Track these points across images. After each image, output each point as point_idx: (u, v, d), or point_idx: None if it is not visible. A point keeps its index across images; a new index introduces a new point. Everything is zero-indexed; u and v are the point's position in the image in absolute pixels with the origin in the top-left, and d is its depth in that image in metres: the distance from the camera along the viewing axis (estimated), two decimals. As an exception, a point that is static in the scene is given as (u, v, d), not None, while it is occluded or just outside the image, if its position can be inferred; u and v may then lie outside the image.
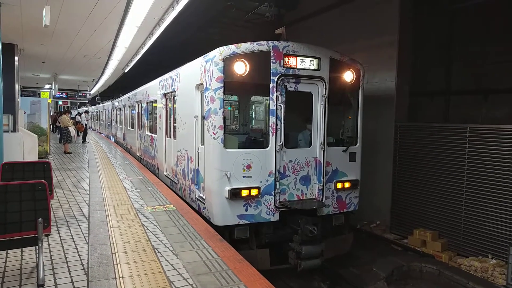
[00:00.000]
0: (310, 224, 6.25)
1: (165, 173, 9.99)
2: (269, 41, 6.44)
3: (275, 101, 6.41)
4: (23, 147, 9.84)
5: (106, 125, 28.80)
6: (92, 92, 29.39)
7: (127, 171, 11.21)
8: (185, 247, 5.03)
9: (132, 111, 16.43)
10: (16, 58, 11.21)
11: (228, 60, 6.12)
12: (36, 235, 3.98)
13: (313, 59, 6.71)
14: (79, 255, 4.65)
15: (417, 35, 10.03)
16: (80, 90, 27.23)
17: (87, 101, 37.61)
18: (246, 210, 6.29)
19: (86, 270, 4.22)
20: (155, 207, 7.06)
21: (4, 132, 9.42)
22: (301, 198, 6.78)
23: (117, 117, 22.13)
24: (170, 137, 9.58)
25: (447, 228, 8.48)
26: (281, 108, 6.43)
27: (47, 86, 23.89)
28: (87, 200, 7.44)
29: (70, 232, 5.53)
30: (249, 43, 6.28)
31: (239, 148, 6.53)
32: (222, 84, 6.11)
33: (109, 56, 12.84)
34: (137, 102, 14.79)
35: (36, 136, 11.51)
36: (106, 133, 28.68)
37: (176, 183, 8.85)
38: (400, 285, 7.51)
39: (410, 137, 9.31)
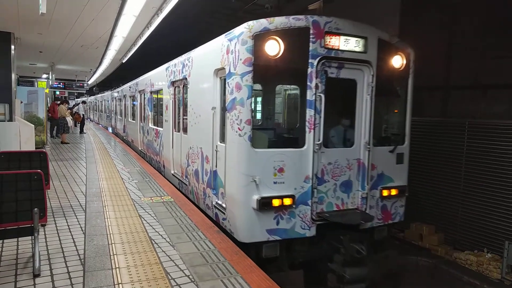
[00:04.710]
0: (357, 242, 5.26)
1: (172, 171, 8.90)
2: (309, 16, 5.34)
3: (313, 90, 5.32)
4: (19, 137, 9.79)
5: (105, 116, 28.50)
6: (89, 82, 29.21)
7: (125, 162, 11.18)
8: (182, 238, 5.03)
9: (134, 102, 15.46)
10: (12, 47, 11.06)
11: (259, 38, 5.01)
12: (32, 225, 3.97)
13: (359, 39, 5.60)
14: (75, 246, 4.64)
15: (417, 28, 9.95)
16: (77, 80, 27.03)
17: (85, 92, 37.40)
18: (277, 223, 5.22)
19: (83, 260, 4.21)
20: (152, 198, 7.04)
21: (0, 121, 9.39)
22: (341, 208, 5.72)
23: (116, 107, 21.45)
24: (179, 131, 8.48)
25: (444, 223, 8.51)
26: (320, 99, 5.34)
27: (44, 75, 23.70)
28: (84, 191, 7.42)
29: (67, 222, 5.52)
30: (283, 17, 5.20)
31: (269, 147, 5.43)
32: (251, 68, 5.02)
33: (107, 46, 12.69)
34: (139, 92, 13.64)
35: (33, 126, 11.45)
36: (105, 124, 28.50)
37: (186, 184, 7.71)
38: (396, 278, 7.55)
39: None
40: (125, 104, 18.03)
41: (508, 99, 8.17)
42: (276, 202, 5.13)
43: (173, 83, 8.85)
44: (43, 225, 5.18)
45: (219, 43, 5.88)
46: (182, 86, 8.20)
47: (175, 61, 8.73)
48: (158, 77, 10.64)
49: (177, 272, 4.00)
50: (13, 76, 11.17)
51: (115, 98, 21.77)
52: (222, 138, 5.81)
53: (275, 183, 5.19)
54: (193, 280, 3.85)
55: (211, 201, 6.22)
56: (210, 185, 6.30)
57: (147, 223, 5.59)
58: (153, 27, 9.69)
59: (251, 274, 4.04)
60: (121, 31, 10.12)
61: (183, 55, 8.13)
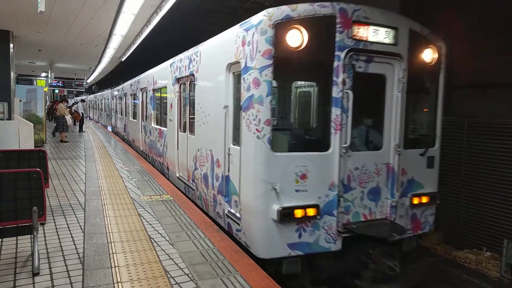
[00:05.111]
0: (389, 257, 4.84)
1: (177, 174, 8.35)
2: (335, 3, 4.85)
3: (340, 86, 4.80)
4: (18, 136, 9.78)
5: (105, 115, 28.38)
6: (88, 80, 29.18)
7: (124, 160, 11.18)
8: (181, 236, 5.03)
9: (135, 100, 15.03)
10: (11, 45, 11.05)
11: (280, 27, 4.47)
12: (31, 223, 3.96)
13: (389, 29, 5.11)
14: (74, 244, 4.64)
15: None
16: (76, 79, 27.01)
17: (84, 90, 37.38)
18: (300, 236, 4.69)
19: (82, 259, 4.21)
20: (151, 196, 7.04)
21: (-1, 120, 9.39)
22: (369, 218, 5.20)
23: (117, 106, 21.13)
24: (184, 131, 7.90)
25: (443, 221, 8.52)
26: (347, 96, 4.81)
27: (43, 74, 23.68)
28: (83, 189, 7.41)
29: (66, 221, 5.52)
30: (307, 4, 4.70)
31: (290, 151, 4.90)
32: (271, 61, 4.48)
33: (106, 44, 12.69)
34: (141, 89, 13.11)
35: (32, 124, 11.44)
36: (105, 123, 28.43)
37: (193, 189, 7.15)
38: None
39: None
40: (125, 103, 17.65)
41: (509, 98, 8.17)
42: (298, 213, 4.58)
43: (178, 80, 8.31)
44: (42, 224, 5.18)
45: (233, 34, 5.27)
46: (188, 82, 7.65)
47: (181, 56, 8.11)
48: (161, 74, 10.06)
49: (176, 271, 4.00)
50: (12, 74, 11.17)
51: (115, 96, 21.61)
52: (236, 140, 5.27)
53: (297, 191, 4.65)
54: (192, 278, 3.85)
55: (223, 209, 5.68)
56: (221, 192, 5.75)
57: (147, 221, 5.59)
58: (152, 26, 9.68)
59: (250, 273, 4.04)
60: (120, 29, 10.12)
61: (189, 49, 7.54)
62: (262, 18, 4.50)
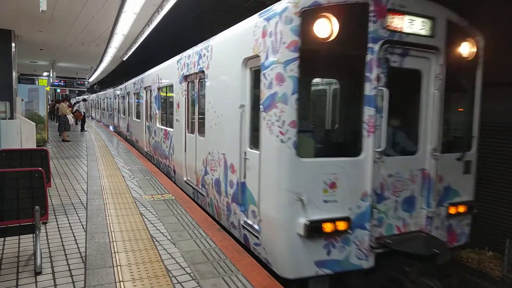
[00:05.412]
0: (427, 276, 4.42)
1: (185, 178, 7.91)
2: None
3: (374, 82, 4.32)
4: (20, 135, 9.80)
5: (108, 114, 28.34)
6: (90, 80, 29.21)
7: (126, 160, 11.19)
8: (183, 236, 5.03)
9: (138, 100, 14.48)
10: (13, 44, 11.08)
11: (307, 15, 3.97)
12: (33, 222, 3.97)
13: (425, 19, 4.62)
14: (77, 243, 4.65)
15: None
16: (78, 78, 27.05)
17: (86, 89, 37.42)
18: (328, 253, 4.21)
19: (84, 258, 4.22)
20: (153, 196, 7.05)
21: (1, 119, 9.41)
22: (403, 230, 4.71)
23: (119, 105, 20.86)
24: (193, 133, 7.43)
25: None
26: (382, 94, 4.35)
27: (45, 73, 23.73)
28: (85, 189, 7.43)
29: (68, 220, 5.53)
30: None
31: (317, 156, 4.38)
32: (297, 54, 3.98)
33: (108, 43, 12.71)
34: (145, 88, 12.63)
35: (34, 123, 11.45)
36: (107, 123, 28.43)
37: (203, 196, 6.66)
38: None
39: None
40: (128, 102, 17.30)
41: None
42: (327, 227, 4.10)
43: (186, 77, 7.77)
44: (44, 223, 5.18)
45: (250, 25, 4.78)
46: (197, 80, 7.16)
47: (189, 51, 7.54)
48: (167, 72, 9.55)
49: (178, 270, 4.01)
50: (14, 74, 11.19)
51: (118, 95, 21.52)
52: (254, 144, 4.80)
53: (325, 202, 4.17)
54: (194, 277, 3.85)
55: (238, 219, 5.19)
56: (236, 200, 5.25)
57: (148, 221, 5.60)
58: (154, 25, 9.68)
59: (252, 272, 4.05)
60: (122, 28, 10.13)
61: (199, 45, 7.02)
62: (287, 5, 4.00)
